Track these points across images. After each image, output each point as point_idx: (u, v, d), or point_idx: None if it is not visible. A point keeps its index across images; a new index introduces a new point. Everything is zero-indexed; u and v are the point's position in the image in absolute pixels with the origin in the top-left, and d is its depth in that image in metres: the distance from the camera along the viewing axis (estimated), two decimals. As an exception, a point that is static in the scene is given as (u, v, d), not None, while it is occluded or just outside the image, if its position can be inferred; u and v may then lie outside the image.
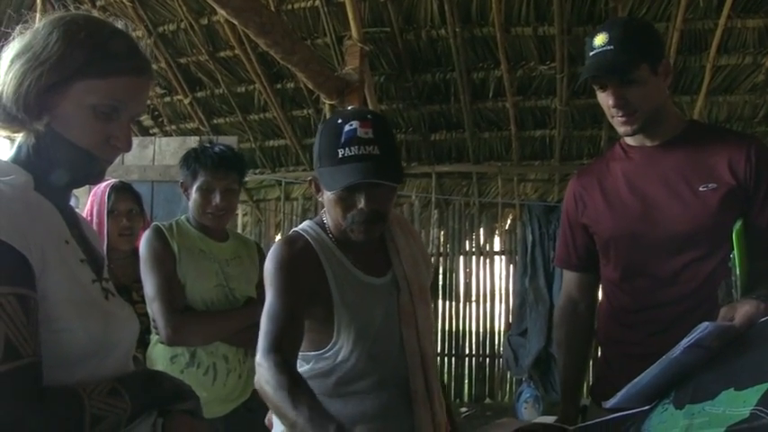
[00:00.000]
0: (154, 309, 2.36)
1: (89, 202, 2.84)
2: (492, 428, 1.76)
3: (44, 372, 1.07)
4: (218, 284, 2.48)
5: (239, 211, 7.49)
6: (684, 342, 1.29)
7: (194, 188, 2.47)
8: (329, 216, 1.77)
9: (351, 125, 1.63)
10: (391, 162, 1.66)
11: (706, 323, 1.28)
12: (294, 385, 1.47)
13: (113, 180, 2.91)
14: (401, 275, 1.82)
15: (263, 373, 1.51)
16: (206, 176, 2.45)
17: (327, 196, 1.70)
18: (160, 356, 2.44)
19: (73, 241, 1.21)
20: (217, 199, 2.46)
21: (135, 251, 2.75)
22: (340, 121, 1.66)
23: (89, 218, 2.72)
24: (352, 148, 1.61)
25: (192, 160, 2.49)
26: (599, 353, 2.15)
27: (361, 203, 1.65)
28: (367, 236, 1.71)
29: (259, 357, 1.55)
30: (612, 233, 1.91)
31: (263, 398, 1.51)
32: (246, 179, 7.45)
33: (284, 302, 1.64)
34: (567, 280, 2.13)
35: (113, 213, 2.78)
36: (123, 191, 2.86)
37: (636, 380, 1.40)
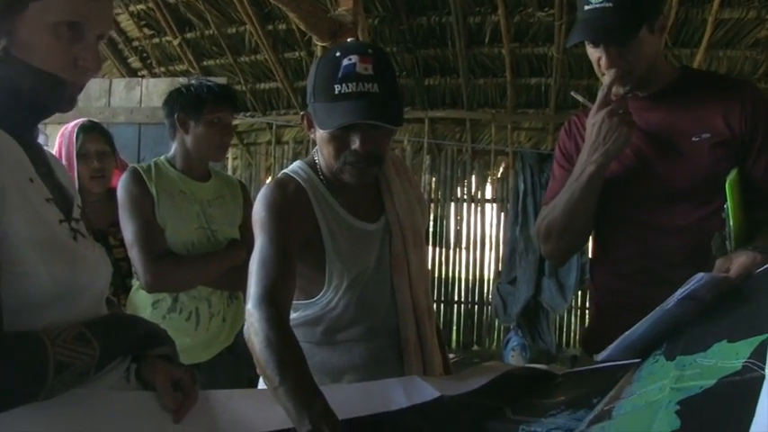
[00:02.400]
0: (133, 255, 2.32)
1: (57, 143, 2.71)
2: (481, 370, 1.74)
3: (8, 317, 1.01)
4: (200, 227, 2.45)
5: (229, 155, 7.44)
6: (678, 293, 1.25)
7: (202, 122, 2.43)
8: (321, 155, 1.69)
9: (350, 59, 1.52)
10: (391, 102, 1.56)
11: (701, 274, 1.24)
12: (284, 346, 1.37)
13: (81, 119, 2.79)
14: (394, 221, 1.75)
15: (254, 324, 1.41)
16: (218, 111, 2.45)
17: (320, 134, 1.61)
18: (142, 302, 2.42)
19: (38, 179, 1.14)
20: (225, 133, 2.49)
21: (109, 193, 2.69)
22: (338, 54, 1.55)
23: None
24: (350, 85, 1.51)
25: (202, 92, 2.45)
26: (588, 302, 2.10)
27: (356, 144, 1.56)
28: (360, 178, 1.63)
29: (250, 306, 1.45)
30: (605, 182, 1.86)
31: (250, 350, 1.42)
32: (237, 122, 7.47)
33: (277, 248, 1.55)
34: None
35: (83, 155, 2.66)
36: (92, 131, 2.73)
37: (628, 332, 1.37)
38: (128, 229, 2.34)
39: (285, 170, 1.77)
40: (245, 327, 1.45)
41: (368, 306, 1.70)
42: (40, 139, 1.27)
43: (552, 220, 1.86)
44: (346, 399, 1.42)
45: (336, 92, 1.52)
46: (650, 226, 1.79)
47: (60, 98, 1.16)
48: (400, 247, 1.75)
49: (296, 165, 1.76)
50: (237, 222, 2.57)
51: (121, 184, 2.39)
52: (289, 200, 1.64)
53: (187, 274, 2.39)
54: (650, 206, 1.79)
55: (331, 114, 1.54)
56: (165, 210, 2.38)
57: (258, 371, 1.40)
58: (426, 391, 1.50)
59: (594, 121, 1.75)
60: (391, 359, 1.72)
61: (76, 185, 2.54)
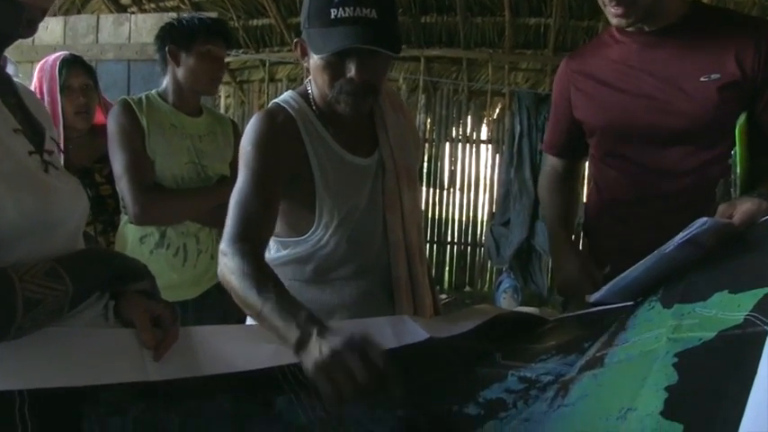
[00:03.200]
0: (121, 187, 2.29)
1: (36, 77, 2.62)
2: (471, 312, 1.72)
3: None
4: (190, 161, 2.41)
5: (222, 93, 7.35)
6: (679, 237, 1.21)
7: (194, 53, 2.39)
8: (314, 84, 1.62)
9: None
10: (389, 28, 1.49)
11: (704, 218, 1.19)
12: (260, 273, 1.33)
13: (63, 53, 2.69)
14: (387, 156, 1.70)
15: (227, 263, 1.37)
16: (209, 42, 2.41)
17: (314, 61, 1.54)
18: (130, 236, 2.39)
19: (5, 110, 1.09)
20: (217, 67, 2.46)
21: (93, 130, 2.63)
22: None
23: (38, 95, 2.54)
24: (347, 9, 1.44)
25: (193, 24, 2.41)
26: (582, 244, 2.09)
27: (352, 72, 1.49)
28: (355, 109, 1.55)
29: (223, 245, 1.41)
30: (603, 125, 1.79)
31: (228, 290, 1.38)
32: (229, 59, 7.33)
33: (257, 186, 1.50)
34: (554, 162, 2.05)
35: (67, 90, 2.58)
36: (76, 65, 2.64)
37: (623, 274, 1.34)
38: (117, 161, 2.30)
39: (275, 99, 1.70)
40: (219, 269, 1.40)
41: (359, 244, 1.67)
42: (10, 69, 1.20)
43: (544, 216, 1.98)
44: None
45: (333, 16, 1.45)
46: (650, 168, 1.74)
47: (17, 21, 1.08)
48: (393, 184, 1.70)
49: (287, 94, 1.69)
50: (228, 159, 2.54)
51: (112, 115, 2.35)
52: (277, 131, 1.59)
53: (176, 206, 2.36)
54: (651, 147, 1.73)
55: (326, 40, 1.47)
56: (155, 142, 2.34)
57: (240, 306, 1.36)
58: (416, 331, 1.48)
59: (565, 273, 1.89)
60: (382, 298, 1.70)
61: (61, 121, 2.48)
